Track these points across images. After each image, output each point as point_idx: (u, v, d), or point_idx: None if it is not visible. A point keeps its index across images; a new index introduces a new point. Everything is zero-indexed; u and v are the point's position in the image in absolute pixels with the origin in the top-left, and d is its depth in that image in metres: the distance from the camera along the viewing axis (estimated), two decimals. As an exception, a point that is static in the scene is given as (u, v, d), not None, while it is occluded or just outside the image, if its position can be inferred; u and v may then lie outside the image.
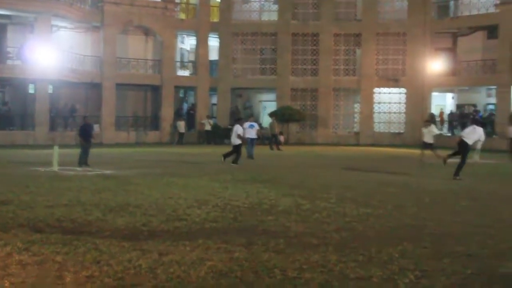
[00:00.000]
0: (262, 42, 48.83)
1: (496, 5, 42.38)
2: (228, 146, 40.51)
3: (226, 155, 25.66)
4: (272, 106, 47.90)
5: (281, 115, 44.41)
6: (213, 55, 49.34)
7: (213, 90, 48.93)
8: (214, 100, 49.88)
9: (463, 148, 20.24)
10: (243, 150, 26.32)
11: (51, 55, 39.24)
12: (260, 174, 20.83)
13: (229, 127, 45.94)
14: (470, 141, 20.20)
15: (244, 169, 22.81)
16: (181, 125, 45.19)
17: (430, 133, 27.77)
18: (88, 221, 11.23)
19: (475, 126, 21.08)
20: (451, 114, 46.58)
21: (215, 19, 48.88)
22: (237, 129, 25.73)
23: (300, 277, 7.50)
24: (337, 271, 7.81)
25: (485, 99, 46.59)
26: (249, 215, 12.12)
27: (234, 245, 9.16)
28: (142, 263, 8.01)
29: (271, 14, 49.05)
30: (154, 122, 47.31)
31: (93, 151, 24.47)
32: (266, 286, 7.15)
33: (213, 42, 49.20)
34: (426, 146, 27.60)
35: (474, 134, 20.33)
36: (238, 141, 25.43)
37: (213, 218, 11.70)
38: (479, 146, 20.60)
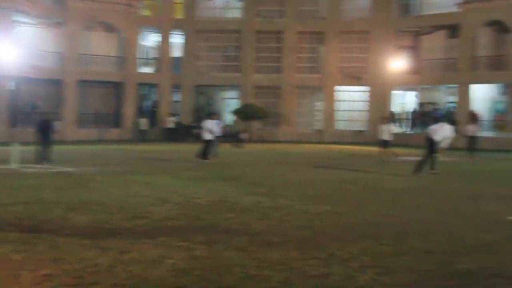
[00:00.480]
0: (226, 39, 48.80)
1: (457, 5, 42.84)
2: (190, 143, 40.49)
3: (205, 155, 25.50)
4: (235, 104, 47.88)
5: (244, 113, 44.44)
6: (177, 52, 49.15)
7: (176, 87, 48.73)
8: (177, 97, 49.68)
9: (429, 144, 20.44)
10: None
11: (12, 51, 38.73)
12: (222, 172, 20.83)
13: (193, 124, 45.97)
14: (437, 138, 20.37)
15: (206, 167, 22.78)
16: (144, 122, 44.99)
17: (387, 130, 28.13)
18: (48, 219, 11.12)
19: (443, 123, 21.34)
20: (413, 113, 47.03)
21: (179, 16, 48.73)
22: (208, 124, 25.76)
23: (261, 275, 7.51)
24: (297, 268, 7.83)
25: (446, 97, 47.09)
26: (211, 213, 12.10)
27: (195, 243, 9.14)
28: (102, 261, 7.95)
29: (235, 12, 49.03)
30: (117, 119, 46.94)
31: (54, 148, 24.21)
32: (226, 284, 7.15)
33: (177, 39, 49.02)
34: (384, 143, 27.91)
35: (441, 131, 20.53)
36: (209, 136, 25.42)
37: (175, 216, 11.67)
38: (445, 143, 20.80)
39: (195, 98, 49.46)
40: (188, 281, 7.23)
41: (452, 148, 22.72)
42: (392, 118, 45.35)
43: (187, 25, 47.90)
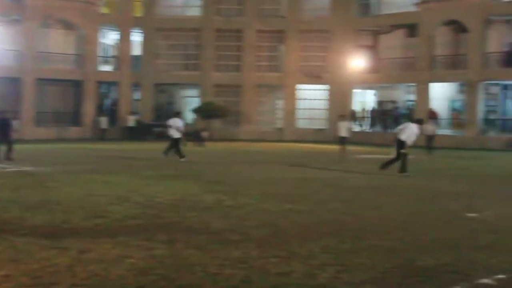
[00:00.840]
0: (185, 37, 48.62)
1: (415, 4, 43.28)
2: (151, 142, 40.30)
3: (178, 154, 25.39)
4: (195, 102, 47.74)
5: (205, 111, 44.35)
6: (137, 50, 48.84)
7: (136, 85, 48.42)
8: (138, 95, 49.36)
9: (398, 145, 20.53)
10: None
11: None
12: (183, 171, 20.76)
13: (153, 123, 45.77)
14: (403, 137, 20.50)
15: (167, 166, 22.67)
16: (103, 121, 44.63)
17: (345, 127, 28.41)
18: (6, 219, 10.98)
19: (408, 122, 21.53)
20: (372, 111, 47.41)
21: (139, 14, 48.39)
22: (177, 122, 25.74)
23: (221, 273, 7.51)
24: (258, 267, 7.84)
25: (405, 96, 47.56)
26: (171, 211, 12.05)
27: (155, 242, 9.10)
28: (60, 261, 7.88)
29: (194, 10, 48.86)
30: (76, 118, 46.44)
31: (13, 147, 23.90)
32: (187, 283, 7.13)
33: (136, 37, 48.71)
34: (341, 140, 28.16)
35: (407, 130, 20.68)
36: (177, 135, 25.42)
37: (135, 215, 11.60)
38: (410, 142, 20.94)
39: (155, 97, 49.20)
40: (148, 280, 7.19)
41: (410, 146, 22.89)
42: (353, 116, 45.86)
43: (147, 23, 47.62)
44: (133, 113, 46.68)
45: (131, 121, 45.46)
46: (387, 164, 20.67)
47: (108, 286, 6.95)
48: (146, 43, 48.15)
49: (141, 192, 14.80)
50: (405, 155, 20.45)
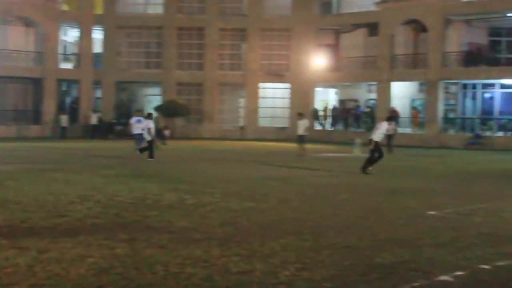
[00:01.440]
0: (147, 35, 48.44)
1: (376, 4, 43.63)
2: (112, 140, 40.04)
3: (148, 153, 25.35)
4: (157, 100, 47.55)
5: (166, 110, 44.20)
6: (97, 48, 48.46)
7: (97, 83, 48.06)
8: (99, 93, 48.98)
9: (376, 147, 20.66)
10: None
11: None
12: (144, 169, 20.67)
13: (114, 121, 45.45)
14: (378, 138, 20.67)
15: (128, 164, 22.57)
16: (64, 119, 44.21)
17: (303, 125, 28.58)
18: (-37, 219, 10.83)
19: (380, 122, 21.75)
20: (334, 109, 47.65)
21: (99, 11, 48.01)
22: (148, 124, 25.68)
23: (182, 272, 7.49)
24: (219, 265, 7.85)
25: (366, 94, 47.90)
26: (133, 210, 12.00)
27: (116, 241, 9.05)
28: (19, 261, 7.79)
29: (156, 7, 48.67)
30: (36, 116, 45.93)
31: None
32: (147, 282, 7.10)
33: (98, 34, 48.32)
34: (300, 138, 28.32)
35: (378, 130, 20.88)
36: (149, 137, 25.37)
37: (95, 214, 11.52)
38: (378, 138, 21.08)
39: (116, 95, 48.89)
40: (108, 280, 7.15)
41: (366, 144, 23.05)
42: (315, 115, 46.12)
43: (108, 21, 47.28)
44: (95, 111, 46.29)
45: (93, 119, 45.07)
46: (368, 163, 20.69)
47: (68, 286, 6.89)
48: (107, 41, 47.82)
49: (102, 191, 14.70)
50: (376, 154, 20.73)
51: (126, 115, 46.77)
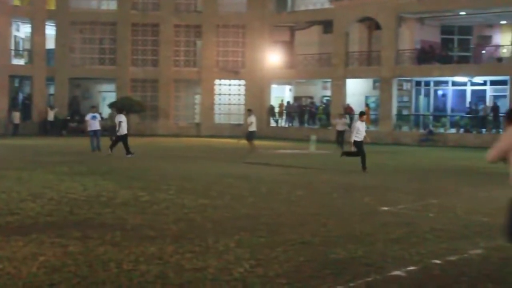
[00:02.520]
0: (101, 31, 48.00)
1: (330, 1, 43.89)
2: (65, 137, 39.62)
3: (121, 149, 25.51)
4: (112, 97, 47.16)
5: (121, 106, 43.76)
6: (50, 44, 47.82)
7: (50, 79, 47.45)
8: (53, 90, 48.36)
9: (358, 147, 20.81)
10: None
11: None
12: (99, 166, 20.49)
13: (68, 118, 44.94)
14: (358, 138, 20.84)
15: (82, 161, 22.34)
16: (16, 116, 43.58)
17: (252, 121, 28.77)
18: None
19: (353, 123, 22.00)
20: (288, 106, 47.79)
21: (52, 6, 47.37)
22: (120, 118, 25.69)
23: (136, 270, 7.46)
24: (173, 262, 7.83)
25: (321, 91, 48.18)
26: (86, 208, 11.89)
27: (69, 239, 8.97)
28: (-31, 261, 7.67)
29: (110, 3, 48.23)
30: (-13, 113, 45.23)
31: None
32: (100, 280, 7.04)
33: (50, 30, 47.68)
34: (249, 135, 28.40)
35: (354, 130, 21.12)
36: (124, 131, 25.41)
37: (48, 211, 11.39)
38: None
39: (70, 91, 48.34)
40: (60, 278, 7.08)
41: (321, 141, 23.25)
42: (270, 111, 46.29)
43: (61, 16, 46.66)
44: (52, 107, 45.59)
45: (51, 115, 44.37)
46: (363, 163, 20.75)
47: (20, 285, 6.80)
48: (60, 37, 47.20)
49: (55, 188, 14.55)
50: (351, 152, 21.01)
51: (80, 111, 46.39)
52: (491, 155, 6.69)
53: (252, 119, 28.93)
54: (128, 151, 25.30)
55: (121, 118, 25.62)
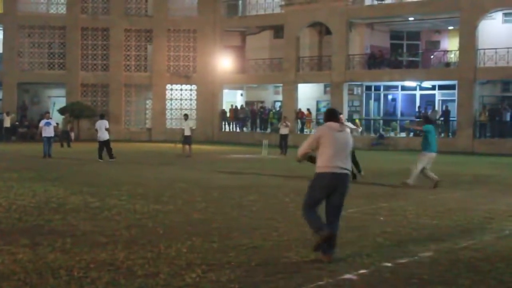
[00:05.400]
0: (50, 35, 47.40)
1: (281, 6, 44.07)
2: (14, 143, 39.03)
3: (109, 155, 26.02)
4: (61, 102, 46.57)
5: (71, 111, 43.33)
6: (-2, 48, 47.09)
7: (-3, 84, 46.70)
8: (0, 95, 47.56)
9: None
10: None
11: None
12: (48, 172, 20.26)
13: (16, 123, 44.21)
14: None
15: (32, 167, 22.03)
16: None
17: (188, 126, 29.13)
18: None
19: (347, 123, 22.01)
20: (240, 111, 47.72)
21: None
22: (106, 124, 26.56)
23: (87, 276, 7.38)
24: (124, 268, 7.77)
25: (273, 96, 48.36)
26: (35, 214, 11.72)
27: (18, 246, 8.83)
28: None
29: (59, 7, 47.67)
30: None
31: None
32: (50, 288, 6.96)
33: (-1, 34, 47.00)
34: (186, 139, 28.84)
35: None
36: (107, 136, 26.17)
37: (-4, 219, 11.21)
38: None
39: (19, 96, 47.61)
40: (9, 286, 6.97)
41: (273, 145, 23.29)
42: (222, 116, 46.30)
43: (8, 20, 45.97)
44: (8, 113, 44.41)
45: (8, 121, 43.19)
46: (357, 168, 20.75)
47: (-33, 294, 6.69)
48: (7, 41, 46.48)
49: (3, 195, 14.32)
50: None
51: (29, 117, 45.73)
52: (300, 151, 7.00)
53: (191, 123, 29.37)
54: (111, 155, 25.99)
55: (107, 124, 26.59)
